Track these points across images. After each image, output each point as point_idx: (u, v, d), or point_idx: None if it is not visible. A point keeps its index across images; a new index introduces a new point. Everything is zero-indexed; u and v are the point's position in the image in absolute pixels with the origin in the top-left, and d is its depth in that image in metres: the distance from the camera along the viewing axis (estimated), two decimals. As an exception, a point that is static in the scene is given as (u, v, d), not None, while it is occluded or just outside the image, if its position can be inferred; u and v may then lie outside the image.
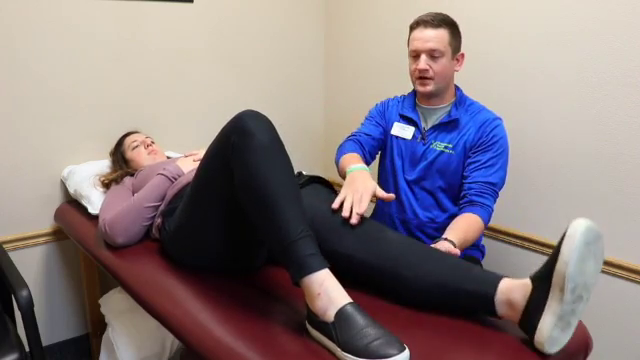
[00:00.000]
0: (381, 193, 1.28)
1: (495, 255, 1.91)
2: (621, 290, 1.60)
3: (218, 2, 2.15)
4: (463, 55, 1.54)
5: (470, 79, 1.88)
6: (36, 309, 1.32)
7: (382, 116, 1.69)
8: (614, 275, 1.61)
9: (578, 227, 0.92)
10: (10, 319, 1.48)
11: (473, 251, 1.65)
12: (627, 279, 1.58)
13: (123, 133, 1.92)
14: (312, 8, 2.46)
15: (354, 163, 1.44)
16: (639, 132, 1.50)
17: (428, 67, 1.47)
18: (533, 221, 1.80)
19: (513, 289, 1.00)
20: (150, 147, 1.83)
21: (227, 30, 2.21)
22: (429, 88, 1.50)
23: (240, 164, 1.08)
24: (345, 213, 1.21)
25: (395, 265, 1.12)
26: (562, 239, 0.94)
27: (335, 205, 1.24)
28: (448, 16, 1.50)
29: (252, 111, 1.12)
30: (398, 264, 1.12)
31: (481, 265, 1.65)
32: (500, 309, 1.01)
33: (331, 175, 2.37)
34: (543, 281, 0.95)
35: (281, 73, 2.42)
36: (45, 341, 1.91)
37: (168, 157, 1.90)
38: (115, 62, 1.93)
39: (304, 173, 1.62)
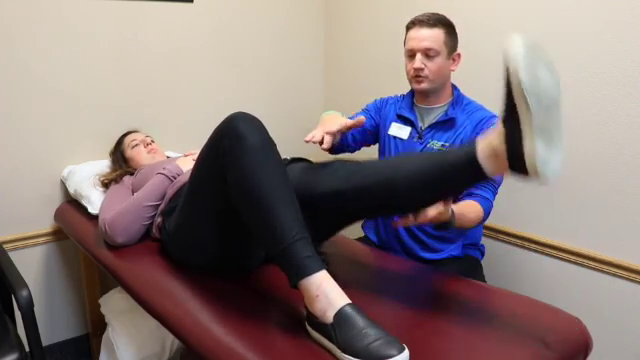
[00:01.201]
0: (350, 122, 1.35)
1: (495, 255, 1.91)
2: (621, 290, 1.60)
3: (218, 2, 2.15)
4: (459, 55, 1.55)
5: (469, 79, 1.88)
6: (36, 309, 1.32)
7: (377, 111, 1.70)
8: (614, 275, 1.61)
9: (510, 41, 0.91)
10: (10, 319, 1.48)
11: (473, 251, 1.65)
12: (627, 279, 1.58)
13: (123, 133, 1.92)
14: (312, 8, 2.46)
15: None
16: (639, 132, 1.50)
17: (423, 66, 1.48)
18: (533, 221, 1.80)
19: (489, 139, 0.98)
20: (150, 146, 1.83)
21: (227, 30, 2.21)
22: (424, 85, 1.52)
23: (232, 167, 1.07)
24: (315, 138, 1.28)
25: (376, 177, 1.12)
26: (506, 69, 0.92)
27: (307, 138, 1.31)
28: (444, 16, 1.51)
29: (243, 113, 1.12)
30: (382, 175, 1.12)
31: (481, 266, 1.65)
32: (487, 165, 0.98)
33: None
34: (509, 113, 0.93)
35: (281, 73, 2.42)
36: (45, 341, 1.91)
37: (168, 157, 1.90)
38: (115, 62, 1.93)
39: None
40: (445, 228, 1.29)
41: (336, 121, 1.39)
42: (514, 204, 1.84)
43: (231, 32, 2.22)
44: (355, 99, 2.42)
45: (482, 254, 1.68)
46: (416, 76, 1.51)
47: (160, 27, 2.02)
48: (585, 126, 1.61)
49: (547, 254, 1.77)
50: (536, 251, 1.80)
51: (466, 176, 1.04)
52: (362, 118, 1.37)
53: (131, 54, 1.96)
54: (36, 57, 1.77)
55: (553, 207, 1.74)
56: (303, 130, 2.53)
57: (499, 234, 1.91)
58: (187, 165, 1.59)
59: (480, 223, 1.45)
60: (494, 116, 1.53)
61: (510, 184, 1.81)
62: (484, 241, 1.75)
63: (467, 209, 1.38)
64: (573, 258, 1.70)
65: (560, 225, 1.73)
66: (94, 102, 1.91)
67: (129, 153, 1.83)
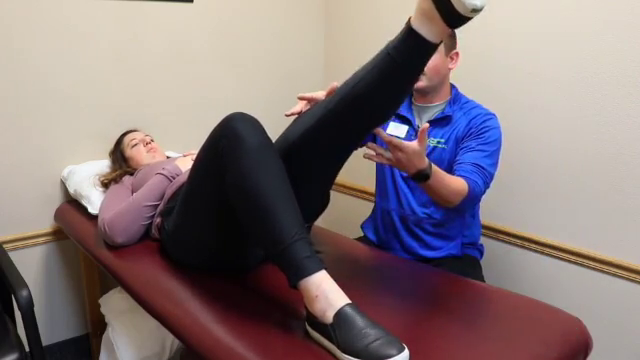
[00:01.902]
0: (324, 92, 1.35)
1: (495, 255, 1.90)
2: (621, 290, 1.60)
3: (218, 2, 2.15)
4: (458, 54, 1.55)
5: (470, 79, 1.88)
6: (36, 309, 1.32)
7: None
8: (614, 275, 1.61)
9: None
10: (10, 319, 1.48)
11: (472, 250, 1.65)
12: (627, 279, 1.58)
13: (122, 132, 1.92)
14: (312, 8, 2.46)
15: None
16: (639, 132, 1.50)
17: None
18: (533, 221, 1.80)
19: (420, 3, 0.98)
20: (149, 145, 1.83)
21: (227, 30, 2.21)
22: (422, 84, 1.52)
23: (230, 167, 1.07)
24: (295, 110, 1.34)
25: (339, 96, 1.14)
26: None
27: (288, 112, 1.34)
28: None
29: (241, 113, 1.12)
30: (340, 93, 1.14)
31: (480, 266, 1.65)
32: (426, 31, 0.98)
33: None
34: None
35: (281, 73, 2.42)
36: (45, 341, 1.91)
37: (168, 157, 1.90)
38: (115, 62, 1.93)
39: None
40: (420, 179, 1.26)
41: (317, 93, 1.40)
42: (514, 204, 1.84)
43: (231, 32, 2.22)
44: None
45: (481, 254, 1.68)
46: None
47: (160, 27, 2.02)
48: (585, 126, 1.61)
49: (547, 254, 1.77)
50: (536, 251, 1.80)
51: (411, 51, 1.02)
52: (334, 84, 1.31)
53: (131, 54, 1.96)
54: (36, 57, 1.76)
55: (553, 207, 1.74)
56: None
57: (499, 234, 1.91)
58: (186, 165, 1.59)
59: (464, 202, 1.37)
60: (490, 113, 1.54)
61: (510, 184, 1.82)
62: (484, 241, 1.75)
63: (449, 177, 1.35)
64: (573, 258, 1.70)
65: (560, 225, 1.73)
66: (94, 102, 1.91)
67: (129, 152, 1.83)
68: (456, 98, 1.59)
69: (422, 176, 1.25)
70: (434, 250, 1.60)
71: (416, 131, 1.59)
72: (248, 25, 2.26)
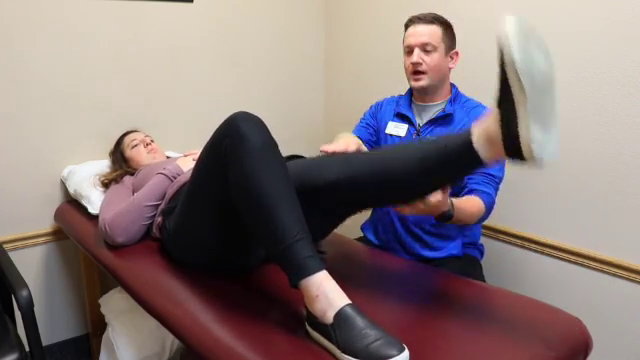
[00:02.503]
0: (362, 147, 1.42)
1: (495, 255, 1.91)
2: (621, 290, 1.60)
3: (218, 2, 2.15)
4: (457, 53, 1.55)
5: (470, 79, 1.88)
6: (36, 309, 1.32)
7: (374, 116, 1.72)
8: (614, 275, 1.61)
9: (504, 22, 0.90)
10: (10, 319, 1.48)
11: (472, 250, 1.65)
12: (627, 279, 1.58)
13: (123, 133, 1.91)
14: (312, 8, 2.46)
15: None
16: (639, 132, 1.50)
17: (421, 61, 1.50)
18: (533, 221, 1.80)
19: (486, 125, 0.97)
20: (149, 146, 1.83)
21: (227, 30, 2.21)
22: (422, 83, 1.53)
23: (234, 167, 1.07)
24: (328, 148, 1.28)
25: (375, 166, 1.13)
26: (499, 50, 0.91)
27: (328, 148, 1.30)
28: (442, 16, 1.54)
29: (245, 113, 1.12)
30: (380, 163, 1.13)
31: (480, 266, 1.65)
32: (483, 151, 0.97)
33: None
34: (504, 95, 0.92)
35: (281, 73, 2.42)
36: (45, 341, 1.91)
37: (168, 157, 1.90)
38: (115, 62, 1.93)
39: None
40: (444, 220, 1.30)
41: (354, 141, 1.45)
42: (514, 204, 1.84)
43: (231, 32, 2.22)
44: (355, 98, 2.43)
45: (481, 254, 1.68)
46: (414, 72, 1.53)
47: (160, 27, 2.02)
48: (585, 126, 1.61)
49: (547, 254, 1.77)
50: (536, 251, 1.80)
51: (463, 163, 1.03)
52: (358, 143, 1.44)
53: (131, 54, 1.96)
54: (36, 57, 1.77)
55: (553, 207, 1.74)
56: (303, 130, 2.54)
57: (499, 234, 1.91)
58: (187, 165, 1.59)
59: (482, 218, 1.45)
60: None
61: (510, 184, 1.82)
62: (484, 241, 1.75)
63: (467, 203, 1.39)
64: (573, 258, 1.70)
65: (560, 225, 1.73)
66: (94, 102, 1.91)
67: (129, 153, 1.83)
68: (456, 97, 1.59)
69: (446, 217, 1.29)
70: (435, 250, 1.60)
71: (417, 130, 1.60)
72: (248, 25, 2.26)
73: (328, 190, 1.17)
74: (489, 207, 1.45)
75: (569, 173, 1.68)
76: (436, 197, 1.18)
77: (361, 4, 2.31)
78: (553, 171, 1.71)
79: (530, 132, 0.88)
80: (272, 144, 1.10)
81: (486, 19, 1.83)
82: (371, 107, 1.75)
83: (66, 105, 1.85)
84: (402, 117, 1.64)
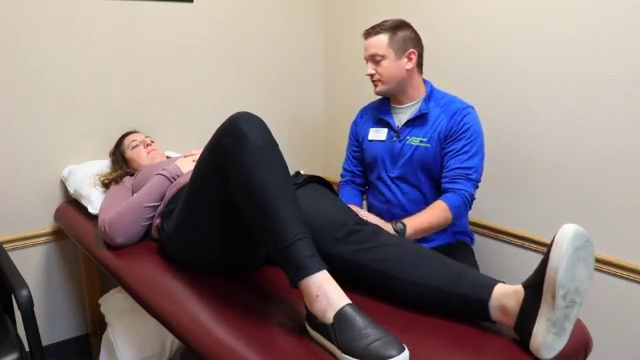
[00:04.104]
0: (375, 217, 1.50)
1: (495, 255, 1.91)
2: (621, 290, 1.60)
3: (218, 2, 2.15)
4: (414, 52, 1.60)
5: (471, 78, 1.88)
6: (36, 309, 1.32)
7: (356, 136, 1.81)
8: (614, 275, 1.61)
9: (566, 233, 0.92)
10: (10, 319, 1.48)
11: (463, 237, 1.72)
12: (627, 279, 1.58)
13: (123, 133, 1.92)
14: (312, 8, 2.46)
15: None
16: (639, 132, 1.50)
17: (374, 72, 1.61)
18: (533, 221, 1.80)
19: (506, 295, 0.99)
20: (149, 146, 1.83)
21: (227, 30, 2.21)
22: (379, 89, 1.63)
23: (235, 167, 1.07)
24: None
25: (389, 267, 1.12)
26: (551, 246, 0.93)
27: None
28: (392, 21, 1.61)
29: (246, 113, 1.12)
30: (391, 267, 1.12)
31: (472, 251, 1.71)
32: (494, 314, 1.01)
33: (331, 174, 2.37)
34: (535, 288, 0.95)
35: (281, 73, 2.42)
36: (45, 341, 1.91)
37: (168, 157, 1.90)
38: (115, 62, 1.93)
39: (302, 172, 1.64)
40: (401, 232, 1.45)
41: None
42: (514, 204, 1.84)
43: (231, 32, 2.22)
44: (355, 98, 2.42)
45: (472, 240, 1.76)
46: (372, 81, 1.64)
47: (160, 27, 2.02)
48: (585, 126, 1.61)
49: (547, 254, 1.77)
50: (536, 251, 1.80)
51: (469, 310, 1.05)
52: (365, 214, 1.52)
53: (131, 54, 1.96)
54: (36, 57, 1.77)
55: (553, 207, 1.74)
56: (303, 130, 2.54)
57: (499, 234, 1.91)
58: (187, 166, 1.59)
59: (453, 219, 1.54)
60: (468, 106, 1.61)
61: (510, 184, 1.82)
62: (484, 241, 1.76)
63: (425, 216, 1.51)
64: (573, 258, 1.70)
65: (560, 225, 1.72)
66: (94, 102, 1.91)
67: (129, 154, 1.83)
68: (431, 94, 1.65)
69: (402, 231, 1.44)
70: (428, 242, 1.64)
71: (396, 132, 1.66)
72: (248, 25, 2.26)
73: (337, 263, 1.12)
74: (457, 204, 1.53)
75: (569, 173, 1.68)
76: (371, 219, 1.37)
77: (361, 4, 2.31)
78: (553, 171, 1.71)
79: (544, 337, 0.92)
80: (273, 144, 1.10)
81: (485, 19, 1.82)
82: (351, 128, 1.84)
83: (66, 105, 1.85)
84: (381, 122, 1.71)
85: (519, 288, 0.98)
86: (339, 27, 2.45)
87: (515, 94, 1.78)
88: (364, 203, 1.86)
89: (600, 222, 1.62)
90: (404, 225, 1.46)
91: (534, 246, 1.80)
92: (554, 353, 0.93)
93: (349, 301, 0.96)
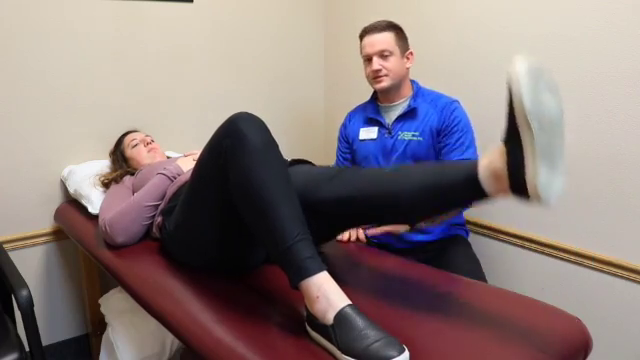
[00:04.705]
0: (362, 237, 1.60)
1: (495, 255, 1.90)
2: (621, 290, 1.60)
3: (218, 2, 2.15)
4: (412, 53, 1.69)
5: (470, 79, 1.88)
6: (36, 309, 1.32)
7: (346, 138, 1.85)
8: (614, 275, 1.61)
9: (514, 63, 0.90)
10: (10, 319, 1.48)
11: (459, 230, 1.77)
12: (627, 279, 1.58)
13: (123, 133, 1.91)
14: (312, 8, 2.46)
15: None
16: (639, 132, 1.50)
17: (381, 67, 1.63)
18: (533, 221, 1.80)
19: (491, 161, 0.98)
20: (150, 145, 1.83)
21: (227, 30, 2.21)
22: (384, 84, 1.65)
23: (234, 168, 1.07)
24: (343, 237, 1.55)
25: (375, 189, 1.13)
26: (508, 88, 0.92)
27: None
28: (392, 21, 1.67)
29: (245, 113, 1.12)
30: (377, 187, 1.13)
31: (469, 243, 1.75)
32: (488, 186, 0.99)
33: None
34: (511, 134, 0.93)
35: (281, 72, 2.42)
36: (45, 341, 1.91)
37: (168, 157, 1.90)
38: (115, 62, 1.93)
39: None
40: (417, 229, 1.50)
41: (353, 232, 1.63)
42: (514, 204, 1.83)
43: (231, 32, 2.22)
44: (355, 98, 2.42)
45: (467, 233, 1.79)
46: (376, 77, 1.65)
47: (160, 27, 2.02)
48: (585, 126, 1.61)
49: (547, 254, 1.77)
50: (536, 251, 1.80)
51: (465, 194, 1.04)
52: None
53: (131, 54, 1.96)
54: (36, 57, 1.77)
55: (553, 207, 1.73)
56: (303, 129, 2.54)
57: (499, 234, 1.91)
58: (187, 165, 1.59)
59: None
60: (454, 101, 1.67)
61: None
62: (484, 241, 1.76)
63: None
64: (573, 258, 1.70)
65: (560, 225, 1.73)
66: (94, 102, 1.91)
67: (129, 153, 1.83)
68: (418, 92, 1.71)
69: (415, 228, 1.44)
70: (427, 234, 1.69)
71: (387, 129, 1.71)
72: (248, 25, 2.26)
73: (328, 206, 1.17)
74: None
75: (569, 173, 1.66)
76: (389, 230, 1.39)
77: (361, 4, 2.31)
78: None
79: (537, 174, 0.89)
80: (273, 144, 1.10)
81: (485, 20, 1.82)
82: (340, 131, 1.88)
83: (66, 105, 1.85)
84: (371, 121, 1.75)
85: (500, 146, 0.97)
86: (339, 27, 2.45)
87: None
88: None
89: (600, 222, 1.62)
90: None
91: (534, 246, 1.80)
92: (554, 193, 0.91)
93: (349, 302, 0.96)
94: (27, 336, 1.32)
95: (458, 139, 1.62)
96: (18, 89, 1.75)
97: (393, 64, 1.64)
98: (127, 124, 1.96)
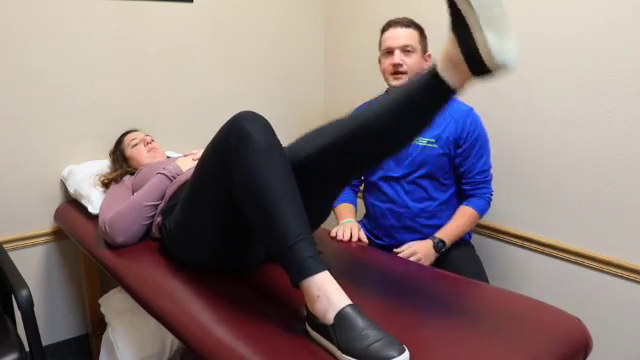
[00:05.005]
0: (362, 237, 1.61)
1: (495, 255, 1.91)
2: (621, 290, 1.60)
3: (218, 2, 2.15)
4: (430, 56, 1.65)
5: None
6: (36, 309, 1.32)
7: None
8: (614, 275, 1.61)
9: None
10: (10, 319, 1.48)
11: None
12: (627, 279, 1.58)
13: (122, 132, 1.91)
14: (312, 8, 2.46)
15: (343, 217, 1.71)
16: (639, 132, 1.50)
17: (402, 62, 1.59)
18: (533, 221, 1.80)
19: (446, 51, 0.99)
20: (150, 145, 1.83)
21: (227, 30, 2.21)
22: (402, 82, 1.60)
23: (238, 166, 1.08)
24: (344, 237, 1.57)
25: (352, 126, 1.15)
26: None
27: (332, 233, 1.60)
28: (413, 20, 1.64)
29: (250, 112, 1.12)
30: (354, 123, 1.16)
31: (472, 245, 1.74)
32: (450, 77, 1.00)
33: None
34: (455, 18, 0.95)
35: (281, 73, 2.42)
36: (45, 341, 1.91)
37: (168, 157, 1.90)
38: (115, 62, 1.93)
39: None
40: (442, 249, 1.57)
41: (355, 232, 1.62)
42: (514, 204, 1.84)
43: (231, 32, 2.22)
44: (355, 98, 2.42)
45: (470, 236, 1.78)
46: (394, 72, 1.61)
47: (160, 27, 2.02)
48: (585, 126, 1.61)
49: (547, 254, 1.77)
50: (536, 251, 1.80)
51: (433, 95, 1.05)
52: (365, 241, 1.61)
53: (131, 54, 1.96)
54: (36, 57, 1.77)
55: (553, 207, 1.74)
56: (303, 129, 2.54)
57: (499, 234, 1.91)
58: (187, 165, 1.59)
59: (480, 217, 1.66)
60: (471, 109, 1.65)
61: (510, 184, 1.82)
62: (484, 241, 1.76)
63: (455, 224, 1.63)
64: (573, 258, 1.70)
65: (560, 225, 1.73)
66: (94, 102, 1.91)
67: (129, 152, 1.83)
68: None
69: (442, 248, 1.57)
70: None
71: None
72: (248, 25, 2.26)
73: (311, 161, 1.18)
74: (484, 208, 1.66)
75: (569, 173, 1.68)
76: (417, 247, 1.54)
77: (361, 4, 2.31)
78: (553, 171, 1.71)
79: (487, 42, 0.91)
80: (277, 143, 1.10)
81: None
82: None
83: (66, 105, 1.85)
84: None
85: (449, 36, 0.99)
86: (339, 27, 2.45)
87: (515, 94, 1.78)
88: (360, 203, 1.86)
89: (600, 222, 1.62)
90: (443, 242, 1.58)
91: (534, 246, 1.80)
92: (508, 55, 0.91)
93: (350, 302, 0.96)
94: (27, 336, 1.32)
95: (478, 151, 1.62)
96: (18, 89, 1.75)
97: (414, 61, 1.60)
98: (127, 124, 1.96)
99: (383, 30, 1.66)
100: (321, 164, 1.19)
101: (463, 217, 1.63)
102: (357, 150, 1.17)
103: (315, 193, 1.20)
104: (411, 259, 1.50)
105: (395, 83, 1.62)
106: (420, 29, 1.63)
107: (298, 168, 1.12)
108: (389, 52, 1.62)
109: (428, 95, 1.05)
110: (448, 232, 1.60)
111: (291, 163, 1.10)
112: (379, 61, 1.70)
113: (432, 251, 1.56)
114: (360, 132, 1.14)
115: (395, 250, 1.57)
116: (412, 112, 1.09)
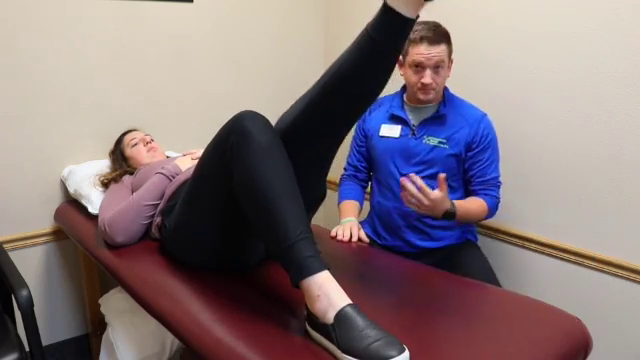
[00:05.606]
0: (363, 236, 1.61)
1: (495, 255, 1.90)
2: (621, 290, 1.60)
3: (218, 2, 2.15)
4: (452, 61, 1.62)
5: (470, 79, 1.88)
6: (36, 309, 1.33)
7: (363, 133, 1.79)
8: (614, 275, 1.61)
9: None
10: (10, 319, 1.48)
11: (471, 235, 1.75)
12: (627, 279, 1.58)
13: (122, 132, 1.91)
14: (312, 7, 2.46)
15: (345, 215, 1.70)
16: (639, 132, 1.50)
17: (432, 81, 1.56)
18: (533, 221, 1.80)
19: None
20: (149, 144, 1.83)
21: (227, 30, 2.21)
22: (431, 97, 1.60)
23: (239, 165, 1.08)
24: (344, 237, 1.57)
25: (322, 80, 1.20)
26: None
27: (332, 233, 1.60)
28: (442, 27, 1.57)
29: (251, 112, 1.12)
30: (323, 78, 1.20)
31: (479, 247, 1.73)
32: (399, 6, 1.01)
33: (330, 174, 2.36)
34: None
35: (281, 72, 2.42)
36: (45, 341, 1.91)
37: (168, 156, 1.90)
38: (115, 62, 1.93)
39: None
40: (448, 218, 1.47)
41: (355, 231, 1.61)
42: (514, 204, 1.84)
43: (231, 32, 2.22)
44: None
45: (476, 238, 1.78)
46: (423, 89, 1.59)
47: (160, 27, 2.02)
48: (585, 126, 1.61)
49: (547, 254, 1.77)
50: (536, 251, 1.80)
51: (388, 28, 1.05)
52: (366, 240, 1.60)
53: (131, 54, 1.96)
54: (36, 57, 1.76)
55: (553, 207, 1.74)
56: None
57: (499, 234, 1.91)
58: (186, 164, 1.59)
59: (487, 216, 1.63)
60: (484, 114, 1.64)
61: (510, 184, 1.82)
62: (484, 241, 1.75)
63: (469, 203, 1.58)
64: (573, 258, 1.70)
65: (560, 225, 1.73)
66: (94, 102, 1.91)
67: (129, 152, 1.83)
68: (448, 98, 1.66)
69: (449, 215, 1.46)
70: (437, 241, 1.67)
71: (412, 130, 1.65)
72: (248, 25, 2.26)
73: (298, 127, 1.19)
74: (493, 207, 1.62)
75: (569, 173, 1.68)
76: (435, 193, 1.37)
77: (361, 4, 2.31)
78: (553, 171, 1.71)
79: None
80: (278, 143, 1.11)
81: (488, 19, 1.82)
82: (357, 123, 1.79)
83: (66, 105, 1.85)
84: (396, 118, 1.69)
85: None
86: (339, 27, 2.45)
87: (515, 94, 1.78)
88: (366, 203, 1.86)
89: (600, 222, 1.62)
90: (454, 207, 1.48)
91: (534, 246, 1.80)
92: None
93: (350, 301, 0.96)
94: (27, 336, 1.32)
95: (490, 156, 1.62)
96: (18, 89, 1.75)
97: (443, 77, 1.59)
98: (127, 124, 1.96)
99: (414, 42, 1.55)
100: (301, 129, 1.18)
101: (475, 203, 1.60)
102: (331, 104, 1.17)
103: (302, 164, 1.18)
104: (424, 202, 1.39)
105: (423, 98, 1.60)
106: (448, 38, 1.57)
107: (286, 134, 1.13)
108: (419, 66, 1.56)
109: (385, 29, 1.05)
110: (462, 203, 1.55)
111: (280, 132, 1.11)
112: (400, 64, 1.63)
113: (441, 210, 1.45)
114: (331, 85, 1.15)
115: (410, 176, 1.42)
116: (375, 51, 1.08)
